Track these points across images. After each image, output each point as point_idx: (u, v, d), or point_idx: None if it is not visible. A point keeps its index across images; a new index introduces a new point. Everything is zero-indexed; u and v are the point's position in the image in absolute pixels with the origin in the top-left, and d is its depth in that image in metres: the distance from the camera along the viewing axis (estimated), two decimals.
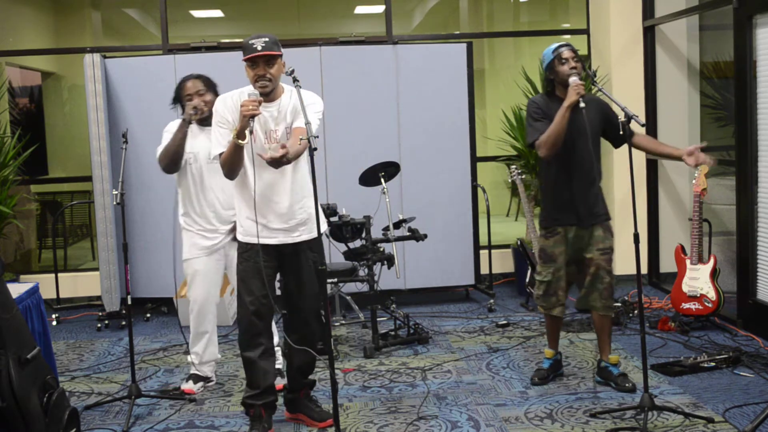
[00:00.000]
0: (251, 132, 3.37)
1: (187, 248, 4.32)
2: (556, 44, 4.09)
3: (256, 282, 3.54)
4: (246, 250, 3.59)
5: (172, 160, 4.17)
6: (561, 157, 4.06)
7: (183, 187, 4.31)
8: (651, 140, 4.28)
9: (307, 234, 3.61)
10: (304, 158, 3.56)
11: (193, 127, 4.24)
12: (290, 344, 3.70)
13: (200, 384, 4.41)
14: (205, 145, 4.17)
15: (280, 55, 3.47)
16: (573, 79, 3.93)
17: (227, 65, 6.01)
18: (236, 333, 5.53)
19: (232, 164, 3.47)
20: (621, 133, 3.77)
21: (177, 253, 4.91)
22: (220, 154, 3.51)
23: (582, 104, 3.89)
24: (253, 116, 3.31)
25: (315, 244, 3.63)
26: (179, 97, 4.28)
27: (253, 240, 3.55)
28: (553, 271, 4.17)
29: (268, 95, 3.49)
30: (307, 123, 3.26)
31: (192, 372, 4.46)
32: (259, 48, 3.38)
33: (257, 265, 3.54)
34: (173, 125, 4.25)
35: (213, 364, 4.50)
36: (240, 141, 3.36)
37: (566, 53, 4.02)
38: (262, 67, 3.42)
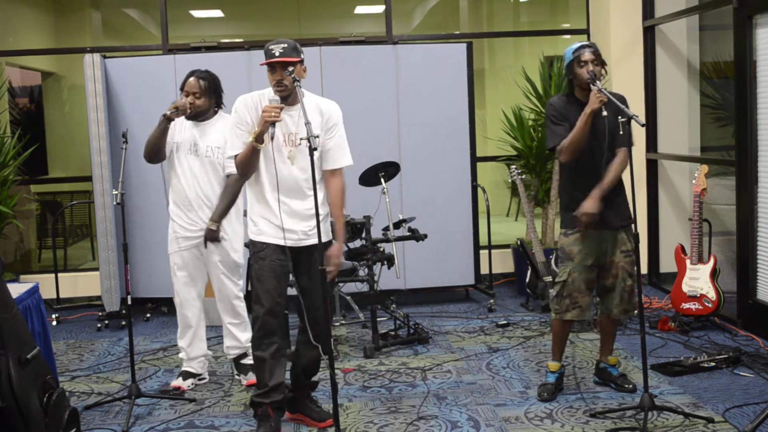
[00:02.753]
0: (272, 137, 3.45)
1: (170, 241, 4.37)
2: (578, 44, 3.93)
3: (272, 281, 3.56)
4: (261, 249, 3.60)
5: (150, 152, 4.26)
6: (581, 160, 3.95)
7: (170, 177, 4.37)
8: (613, 170, 3.97)
9: (322, 236, 3.56)
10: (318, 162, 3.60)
11: (186, 123, 4.28)
12: (297, 344, 3.71)
13: (190, 381, 4.42)
14: (188, 137, 4.27)
15: (300, 61, 3.52)
16: (594, 86, 3.79)
17: (227, 65, 6.03)
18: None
19: (247, 166, 3.54)
20: (621, 133, 3.76)
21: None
22: (236, 156, 3.56)
23: (604, 112, 3.77)
24: (274, 123, 3.39)
25: (327, 245, 3.66)
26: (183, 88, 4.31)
27: (269, 240, 3.58)
28: (569, 270, 4.00)
29: (287, 99, 3.53)
30: (307, 123, 3.27)
31: (183, 369, 4.47)
32: (277, 54, 3.44)
33: (272, 264, 3.57)
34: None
35: (203, 361, 4.50)
36: (258, 145, 3.44)
37: (587, 55, 3.86)
38: (280, 73, 3.47)
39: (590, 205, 3.88)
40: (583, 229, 3.96)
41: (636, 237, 3.68)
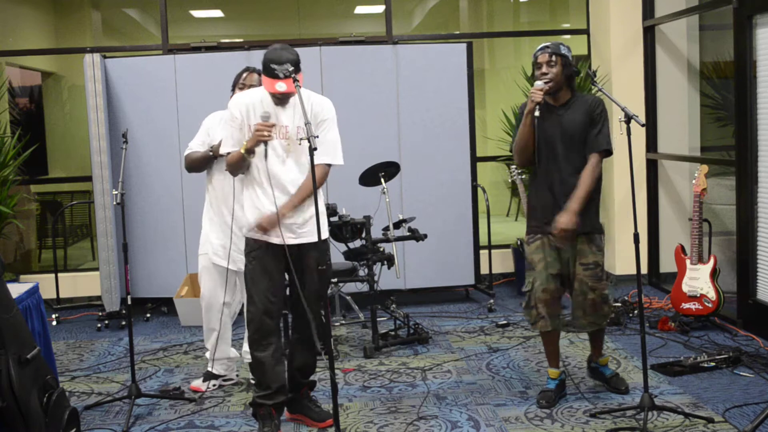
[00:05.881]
0: (266, 155, 3.46)
1: (202, 242, 4.35)
2: (541, 46, 3.88)
3: (265, 281, 3.56)
4: (254, 249, 3.59)
5: (197, 170, 4.32)
6: (539, 163, 3.89)
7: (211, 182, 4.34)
8: (582, 179, 3.83)
9: (311, 235, 3.59)
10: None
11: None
12: (291, 344, 3.71)
13: (211, 382, 4.40)
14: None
15: (299, 70, 3.46)
16: (536, 84, 3.78)
17: (227, 65, 6.02)
18: (236, 333, 5.55)
19: (236, 168, 3.57)
20: (621, 133, 3.75)
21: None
22: (228, 153, 3.59)
23: (536, 113, 3.75)
24: (265, 141, 3.41)
25: (321, 244, 3.63)
26: (236, 84, 4.22)
27: (262, 238, 3.57)
28: (532, 280, 3.91)
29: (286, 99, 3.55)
30: (307, 123, 3.27)
31: (206, 369, 4.46)
32: (281, 75, 3.37)
33: (266, 263, 3.56)
34: (211, 120, 4.28)
35: (226, 363, 4.46)
36: (249, 156, 3.46)
37: (540, 58, 3.82)
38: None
39: (565, 220, 3.75)
40: (542, 238, 3.90)
41: (636, 237, 3.67)
